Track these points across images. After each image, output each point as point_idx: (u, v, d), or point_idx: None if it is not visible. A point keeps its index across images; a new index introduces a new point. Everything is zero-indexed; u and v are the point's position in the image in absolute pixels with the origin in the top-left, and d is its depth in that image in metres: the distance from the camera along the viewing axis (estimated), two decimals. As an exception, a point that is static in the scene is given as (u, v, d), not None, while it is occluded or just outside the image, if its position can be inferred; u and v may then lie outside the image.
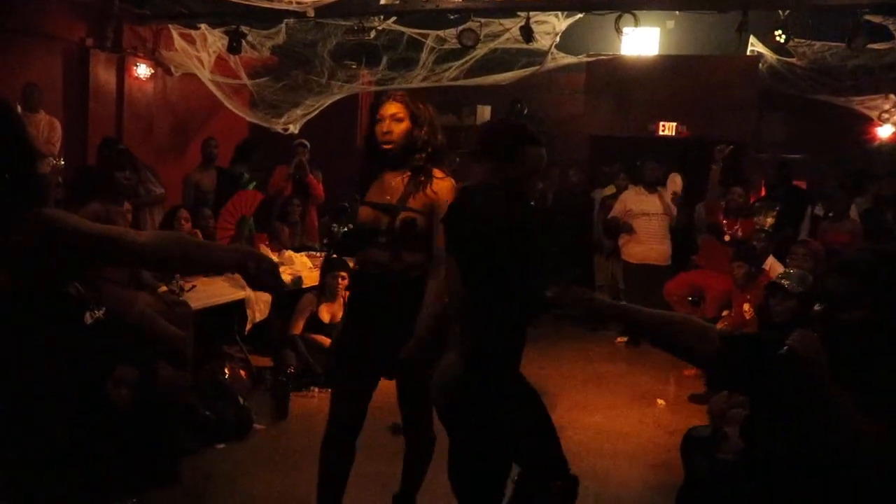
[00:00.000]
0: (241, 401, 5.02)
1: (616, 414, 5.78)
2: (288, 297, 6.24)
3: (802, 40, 8.64)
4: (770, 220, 7.89)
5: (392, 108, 3.12)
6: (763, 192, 9.70)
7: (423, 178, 3.11)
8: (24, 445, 3.08)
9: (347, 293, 3.84)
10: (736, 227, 7.31)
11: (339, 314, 5.77)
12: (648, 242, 7.76)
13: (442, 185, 3.12)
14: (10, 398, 3.30)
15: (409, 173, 3.14)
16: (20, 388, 3.38)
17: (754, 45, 9.24)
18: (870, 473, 1.99)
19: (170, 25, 9.20)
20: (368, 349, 3.15)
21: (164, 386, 4.36)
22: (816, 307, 2.63)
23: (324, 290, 6.28)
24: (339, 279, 6.10)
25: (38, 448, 3.29)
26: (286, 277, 6.28)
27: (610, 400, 6.12)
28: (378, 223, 3.11)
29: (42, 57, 8.44)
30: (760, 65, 9.53)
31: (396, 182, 3.14)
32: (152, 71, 9.55)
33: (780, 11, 7.63)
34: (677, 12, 9.34)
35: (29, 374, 3.57)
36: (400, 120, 3.11)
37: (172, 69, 9.66)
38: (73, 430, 3.59)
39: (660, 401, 6.09)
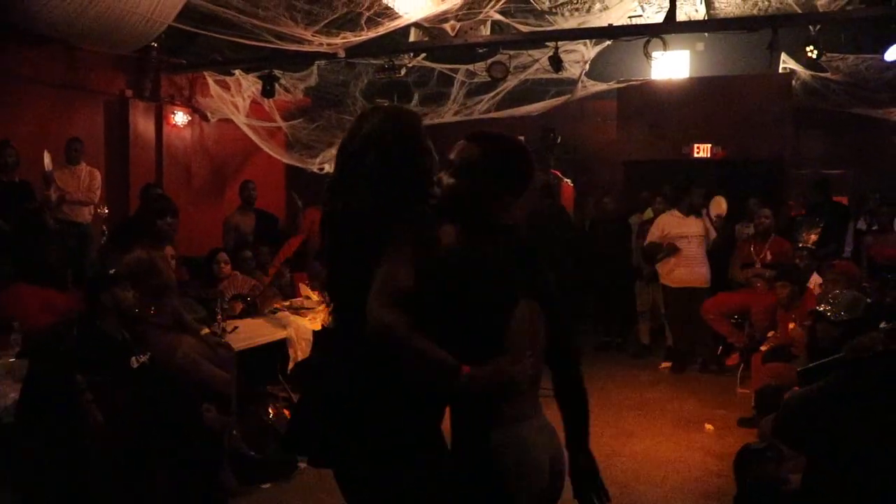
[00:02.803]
0: (286, 440, 5.03)
1: (664, 441, 5.68)
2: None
3: (836, 54, 8.55)
4: (814, 237, 7.79)
5: None
6: (804, 211, 9.57)
7: None
8: (69, 489, 3.14)
9: None
10: (764, 252, 7.24)
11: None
12: (688, 265, 7.67)
13: None
14: (59, 442, 3.36)
15: None
16: (69, 433, 3.44)
17: (786, 63, 9.18)
18: None
19: (205, 73, 9.42)
20: None
21: (210, 428, 4.39)
22: (883, 324, 2.60)
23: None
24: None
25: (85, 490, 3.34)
26: (326, 316, 6.32)
27: (657, 426, 6.02)
28: None
29: (85, 109, 8.72)
30: (794, 81, 9.44)
31: None
32: (189, 118, 9.77)
33: (811, 27, 7.57)
34: (706, 34, 9.33)
35: (78, 419, 3.64)
36: None
37: (209, 115, 9.87)
38: (120, 473, 3.65)
39: (708, 426, 5.97)
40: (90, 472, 3.47)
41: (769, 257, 7.22)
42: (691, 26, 8.33)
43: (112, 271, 4.20)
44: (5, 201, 6.83)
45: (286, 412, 5.67)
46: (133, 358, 4.03)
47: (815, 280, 6.55)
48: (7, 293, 5.18)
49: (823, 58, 8.23)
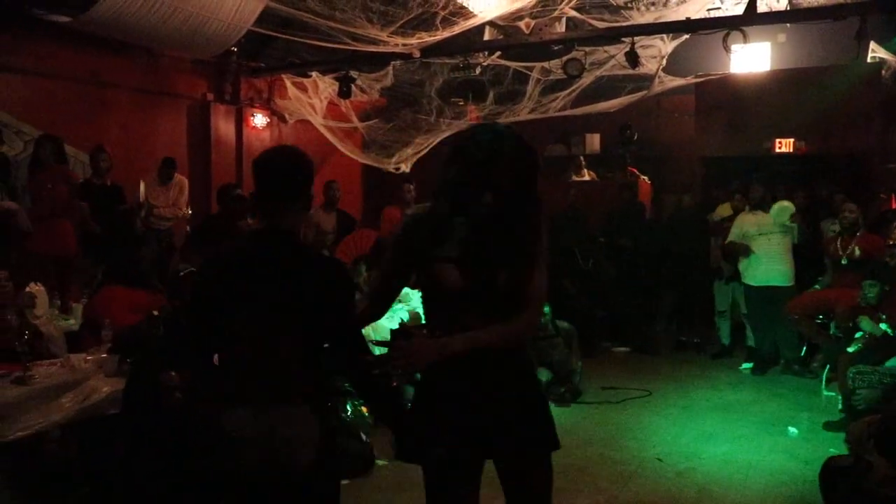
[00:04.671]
0: (364, 437, 5.10)
1: (745, 443, 5.54)
2: (405, 334, 6.31)
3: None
4: (905, 235, 7.47)
5: None
6: (894, 205, 9.20)
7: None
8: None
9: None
10: (851, 247, 6.95)
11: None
12: (769, 263, 7.45)
13: None
14: (148, 436, 3.47)
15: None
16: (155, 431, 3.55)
17: (875, 52, 8.81)
18: None
19: (283, 75, 9.62)
20: (469, 428, 2.45)
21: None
22: None
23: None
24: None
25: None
26: (404, 314, 6.40)
27: (738, 429, 5.88)
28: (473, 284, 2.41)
29: (168, 113, 9.04)
30: (883, 71, 9.08)
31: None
32: (268, 119, 9.99)
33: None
34: (788, 25, 9.05)
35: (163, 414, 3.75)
36: None
37: (287, 116, 10.07)
38: (198, 468, 3.75)
39: (792, 429, 5.80)
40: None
41: (858, 253, 6.94)
42: (773, 17, 8.07)
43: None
44: (100, 204, 7.10)
45: (364, 409, 5.74)
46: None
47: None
48: (99, 294, 5.39)
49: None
